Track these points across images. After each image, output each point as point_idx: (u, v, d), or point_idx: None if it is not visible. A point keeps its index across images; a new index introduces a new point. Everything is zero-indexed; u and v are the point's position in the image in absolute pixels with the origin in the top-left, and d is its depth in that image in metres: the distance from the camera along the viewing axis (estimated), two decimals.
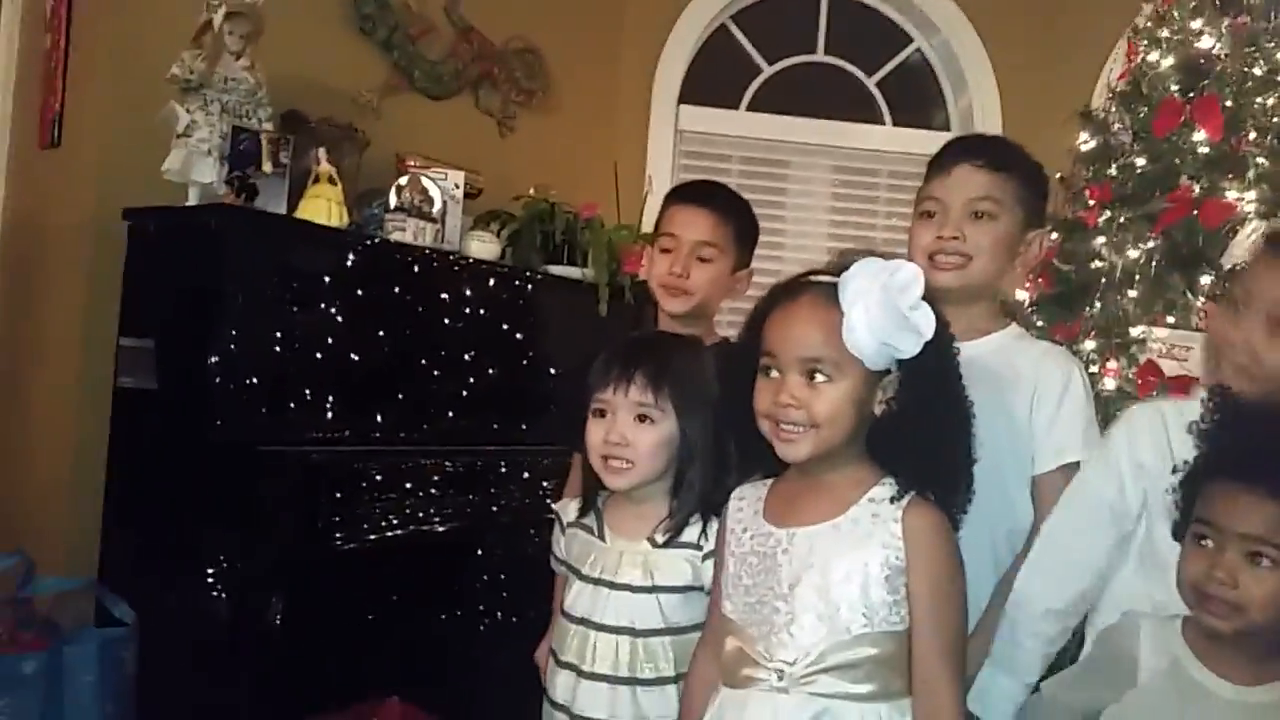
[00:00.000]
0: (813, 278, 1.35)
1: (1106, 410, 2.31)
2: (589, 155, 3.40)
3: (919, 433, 1.30)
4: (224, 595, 2.09)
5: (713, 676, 1.38)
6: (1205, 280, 2.37)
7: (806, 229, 3.93)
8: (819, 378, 1.29)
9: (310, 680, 2.13)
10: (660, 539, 1.51)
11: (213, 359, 2.20)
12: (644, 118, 3.70)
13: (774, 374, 1.32)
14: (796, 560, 1.31)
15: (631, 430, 1.51)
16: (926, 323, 1.28)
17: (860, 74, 3.98)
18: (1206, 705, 1.24)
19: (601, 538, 1.57)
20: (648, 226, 2.73)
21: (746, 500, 1.41)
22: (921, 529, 1.28)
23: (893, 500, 1.30)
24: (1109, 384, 2.37)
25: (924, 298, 1.29)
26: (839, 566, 1.28)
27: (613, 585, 1.51)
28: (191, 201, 2.34)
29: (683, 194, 2.00)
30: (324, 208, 2.38)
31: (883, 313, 1.25)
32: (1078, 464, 1.58)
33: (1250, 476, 1.23)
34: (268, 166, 2.34)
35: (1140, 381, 2.34)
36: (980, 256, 1.61)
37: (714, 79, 3.87)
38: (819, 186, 3.98)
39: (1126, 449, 1.47)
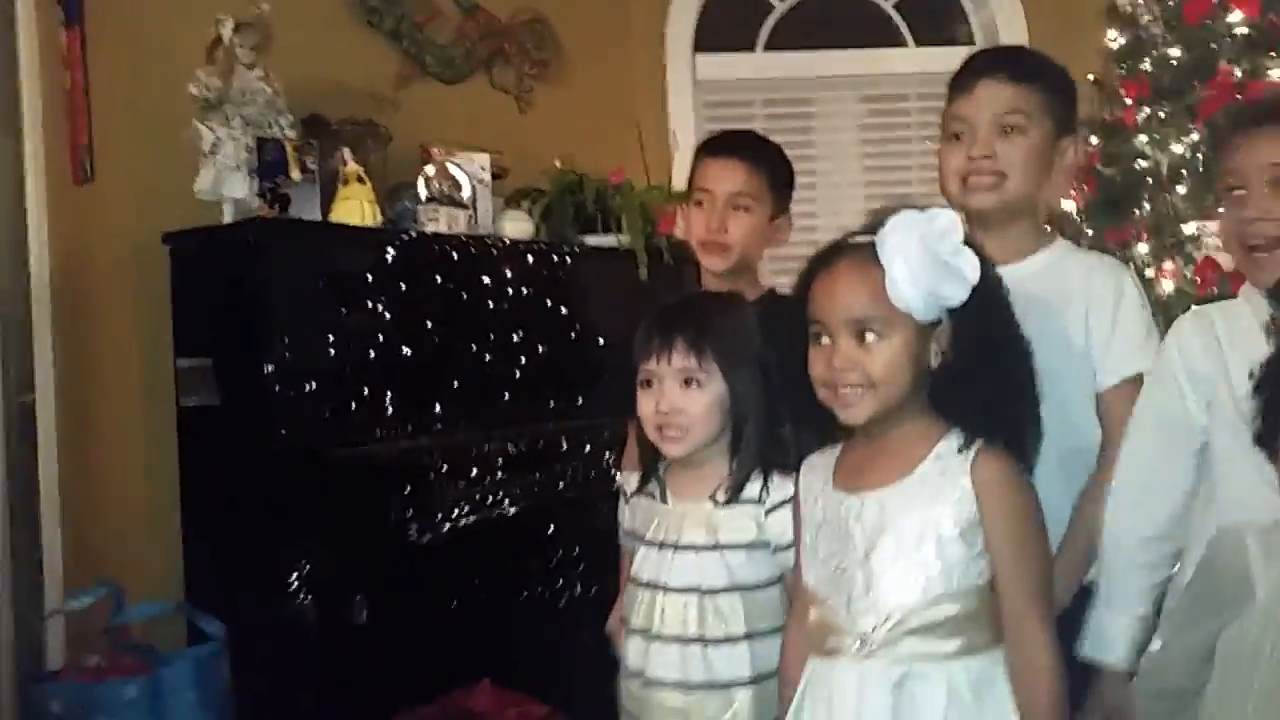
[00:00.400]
0: (850, 240, 1.34)
1: (1169, 314, 2.26)
2: (611, 119, 3.36)
3: (978, 379, 1.28)
4: (309, 600, 2.14)
5: (805, 647, 1.38)
6: None
7: (839, 164, 3.84)
8: (870, 337, 1.28)
9: (402, 672, 2.18)
10: (722, 498, 1.51)
11: (270, 369, 2.23)
12: (661, 73, 3.63)
13: (825, 340, 1.31)
14: (869, 526, 1.30)
15: (680, 397, 1.50)
16: (971, 267, 1.26)
17: None
18: None
19: (664, 501, 1.57)
20: (679, 184, 2.70)
21: (816, 469, 1.41)
22: (991, 480, 1.27)
23: (960, 452, 1.28)
24: (1167, 286, 2.32)
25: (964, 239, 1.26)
26: (912, 527, 1.28)
27: (677, 546, 1.51)
28: (227, 218, 2.37)
29: (712, 146, 1.98)
30: (357, 208, 2.39)
31: (925, 264, 1.24)
32: (1142, 375, 1.55)
33: None
34: (296, 174, 2.36)
35: (1200, 280, 2.28)
36: (1014, 173, 1.57)
37: (727, 23, 3.78)
38: (847, 119, 3.89)
39: (1180, 360, 1.45)
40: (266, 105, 2.40)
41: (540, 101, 3.34)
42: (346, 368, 2.35)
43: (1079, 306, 1.56)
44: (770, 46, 3.83)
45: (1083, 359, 1.55)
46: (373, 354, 2.40)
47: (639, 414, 1.55)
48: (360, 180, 2.42)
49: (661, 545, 1.53)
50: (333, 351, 2.33)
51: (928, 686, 1.26)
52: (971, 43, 3.81)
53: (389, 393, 2.42)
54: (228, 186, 2.33)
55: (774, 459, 1.50)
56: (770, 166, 1.92)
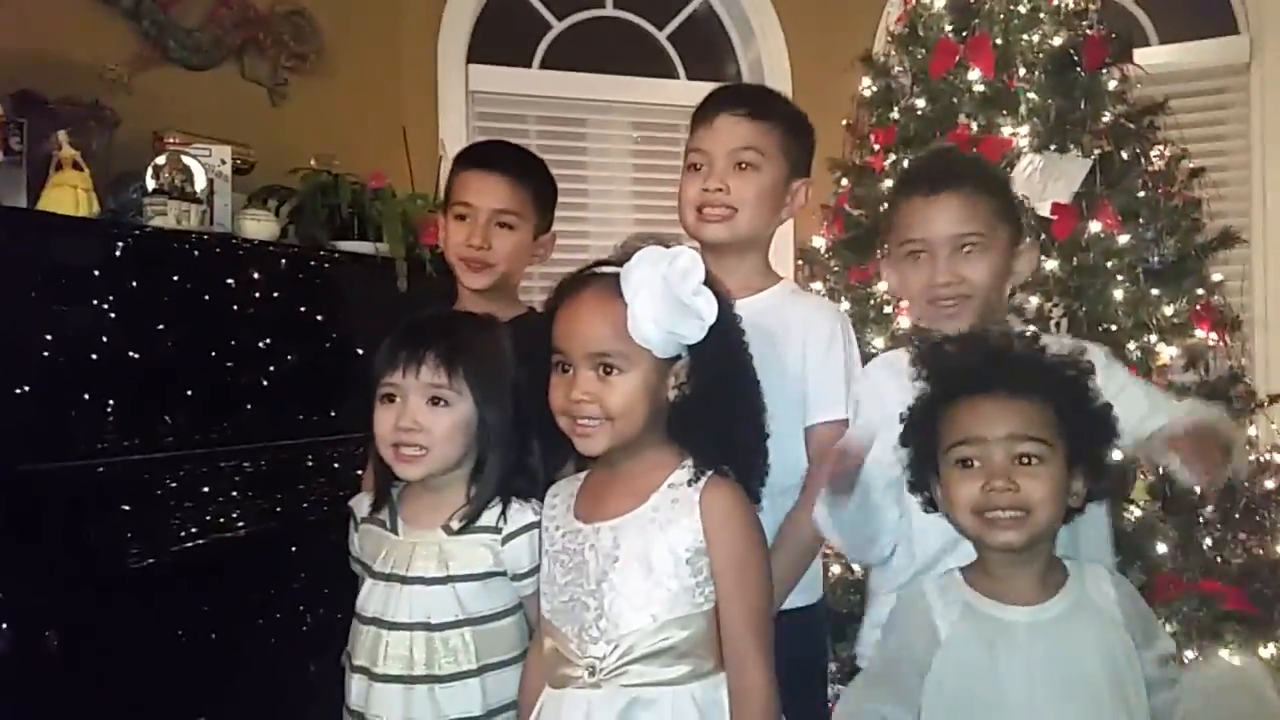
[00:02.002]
0: (597, 269, 1.35)
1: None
2: (374, 121, 3.22)
3: (712, 413, 1.32)
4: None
5: (543, 677, 1.37)
6: None
7: (610, 188, 3.87)
8: (609, 371, 1.29)
9: (111, 710, 1.96)
10: (456, 526, 1.45)
11: None
12: (431, 79, 3.52)
13: (566, 370, 1.32)
14: (602, 555, 1.31)
15: (424, 414, 1.43)
16: (709, 308, 1.29)
17: (651, 28, 3.93)
18: (1009, 635, 1.27)
19: (395, 530, 1.49)
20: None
21: (560, 497, 1.41)
22: (718, 507, 1.30)
23: (690, 483, 1.31)
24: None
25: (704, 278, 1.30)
26: (643, 556, 1.29)
27: (405, 580, 1.44)
28: None
29: (475, 158, 1.92)
30: (70, 196, 2.15)
31: (665, 302, 1.26)
32: (845, 420, 1.60)
33: (986, 386, 1.27)
34: None
35: None
36: (745, 208, 1.61)
37: (504, 36, 3.73)
38: (619, 144, 3.93)
39: (873, 384, 1.55)
40: None
41: (298, 96, 3.16)
42: (61, 375, 2.11)
43: (797, 343, 1.61)
44: (546, 64, 3.81)
45: (795, 393, 1.60)
46: (93, 359, 2.16)
47: (375, 430, 1.47)
48: (77, 166, 2.19)
49: (389, 578, 1.45)
50: (46, 354, 2.08)
51: (654, 712, 1.27)
52: (740, 80, 3.93)
53: (112, 401, 2.20)
54: None
55: (515, 487, 1.46)
56: (536, 182, 1.89)
